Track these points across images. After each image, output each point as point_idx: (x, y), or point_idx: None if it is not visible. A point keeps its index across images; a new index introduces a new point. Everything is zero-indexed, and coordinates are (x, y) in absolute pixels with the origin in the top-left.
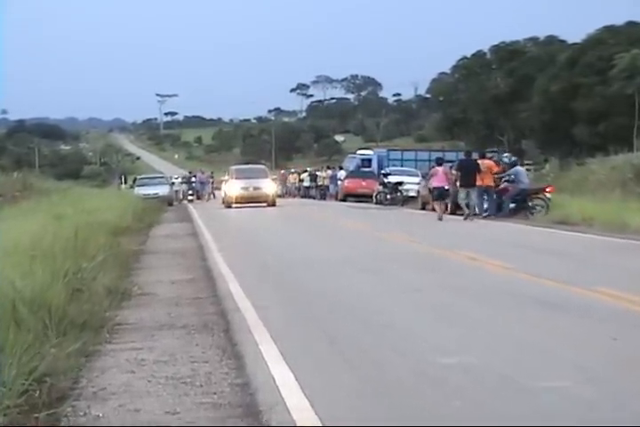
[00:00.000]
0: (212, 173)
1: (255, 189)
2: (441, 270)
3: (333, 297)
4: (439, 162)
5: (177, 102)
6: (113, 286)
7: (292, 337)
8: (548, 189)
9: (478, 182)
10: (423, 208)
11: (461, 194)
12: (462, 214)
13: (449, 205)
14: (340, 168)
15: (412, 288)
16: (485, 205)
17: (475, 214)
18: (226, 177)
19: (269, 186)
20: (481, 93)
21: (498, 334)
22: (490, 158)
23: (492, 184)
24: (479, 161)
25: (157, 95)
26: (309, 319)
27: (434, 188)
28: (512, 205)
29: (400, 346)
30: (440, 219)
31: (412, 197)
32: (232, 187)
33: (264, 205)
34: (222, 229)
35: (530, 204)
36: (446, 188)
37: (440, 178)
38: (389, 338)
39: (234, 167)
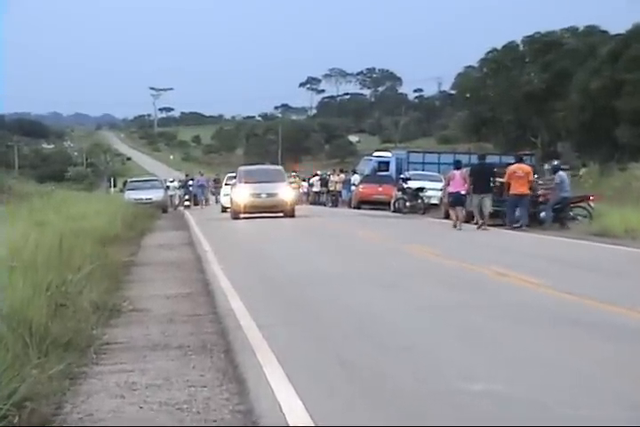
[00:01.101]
0: (217, 175)
1: (269, 195)
2: (466, 287)
3: (346, 315)
4: (457, 165)
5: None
6: (101, 300)
7: (299, 359)
8: (591, 198)
9: (515, 190)
10: (447, 217)
11: (474, 200)
12: (480, 224)
13: (463, 212)
14: (354, 172)
15: (435, 306)
16: (517, 214)
17: (497, 224)
18: (229, 181)
19: (287, 192)
20: (512, 90)
21: (529, 357)
22: (523, 163)
23: (527, 192)
24: (517, 165)
25: (151, 89)
26: (319, 340)
27: (449, 193)
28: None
29: (420, 371)
30: (456, 227)
31: (435, 204)
32: (240, 193)
33: (280, 215)
34: (222, 239)
35: (571, 213)
36: (463, 193)
37: (457, 183)
38: (409, 362)
39: (243, 168)
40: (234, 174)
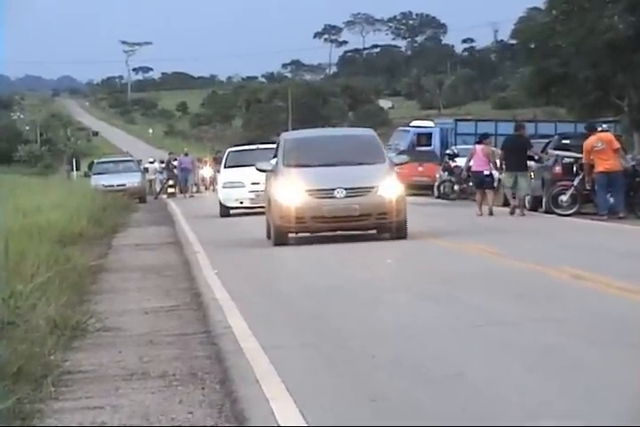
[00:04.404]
0: (217, 153)
1: (355, 192)
2: (533, 295)
3: (377, 335)
4: (480, 138)
5: (151, 54)
6: (60, 317)
7: (317, 392)
8: None
9: (601, 166)
10: (506, 204)
11: (507, 180)
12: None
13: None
14: (387, 147)
15: (492, 322)
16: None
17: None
18: (232, 160)
19: (389, 184)
20: (590, 38)
21: (615, 387)
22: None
23: (619, 167)
24: (594, 136)
25: (123, 43)
26: (343, 366)
27: (472, 172)
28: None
29: (473, 406)
30: (481, 214)
31: (492, 187)
32: (286, 188)
33: (371, 231)
34: (217, 236)
35: None
36: (487, 173)
37: (480, 160)
38: (458, 395)
39: (289, 136)
40: (240, 149)
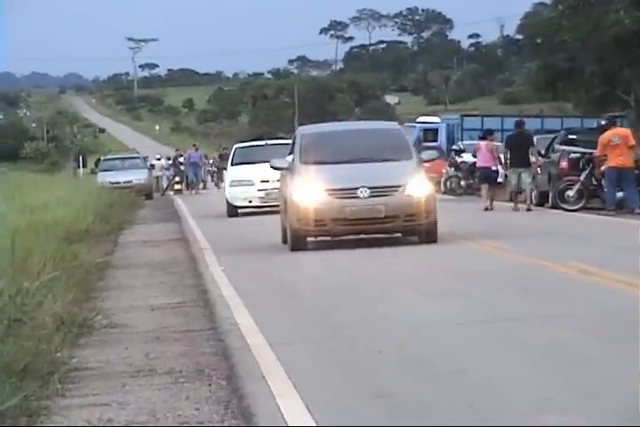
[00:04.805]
0: (224, 149)
1: (378, 191)
2: (539, 291)
3: (384, 331)
4: (484, 134)
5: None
6: (67, 314)
7: (323, 388)
8: None
9: (612, 162)
10: (512, 199)
11: (512, 176)
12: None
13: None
14: None
15: (499, 318)
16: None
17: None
18: (239, 157)
19: (418, 183)
20: (597, 33)
21: (621, 383)
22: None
23: (631, 165)
24: (611, 131)
25: (129, 40)
26: (349, 362)
27: (478, 168)
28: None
29: (479, 402)
30: (487, 209)
31: (499, 183)
32: (304, 187)
33: (394, 236)
34: (224, 233)
35: None
36: (493, 168)
37: (485, 156)
38: (464, 391)
39: (306, 131)
40: (247, 145)
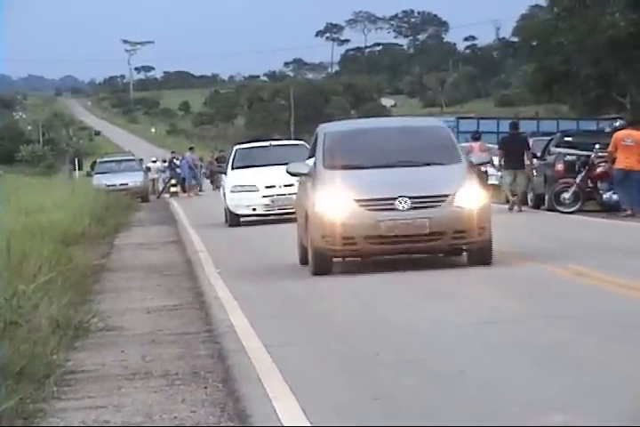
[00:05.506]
0: (220, 151)
1: (422, 201)
2: (535, 292)
3: (381, 333)
4: (475, 136)
5: (153, 53)
6: (63, 317)
7: (320, 390)
8: None
9: (621, 163)
10: (508, 201)
11: (507, 178)
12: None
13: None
14: None
15: (494, 319)
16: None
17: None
18: (240, 161)
19: (469, 191)
20: (592, 35)
21: (620, 382)
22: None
23: (638, 168)
24: (626, 131)
25: (125, 42)
26: (346, 364)
27: None
28: None
29: (478, 403)
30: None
31: (494, 184)
32: (327, 199)
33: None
34: (220, 235)
35: None
36: (483, 169)
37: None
38: (463, 390)
39: (329, 128)
40: (250, 146)
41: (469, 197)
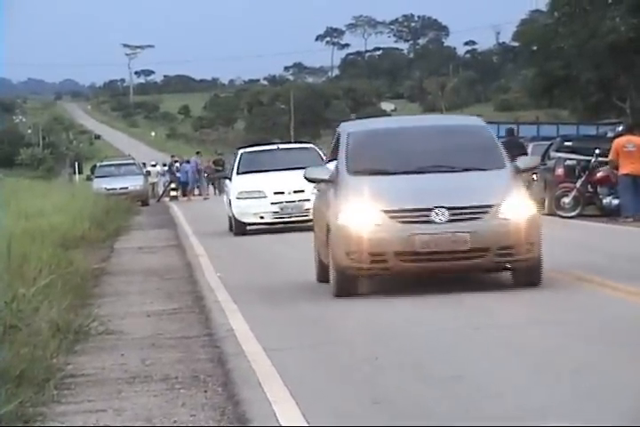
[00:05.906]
0: (219, 155)
1: (461, 212)
2: (537, 298)
3: (380, 337)
4: None
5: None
6: (63, 320)
7: (319, 394)
8: None
9: (625, 169)
10: None
11: None
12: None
13: None
14: None
15: (494, 324)
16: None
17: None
18: (245, 166)
19: (515, 202)
20: (592, 40)
21: (619, 388)
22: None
23: None
24: (626, 137)
25: (125, 46)
26: (345, 369)
27: None
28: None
29: (476, 408)
30: None
31: None
32: (351, 210)
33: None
34: (220, 239)
35: None
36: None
37: None
38: (460, 395)
39: (352, 127)
40: (256, 150)
41: (516, 208)
